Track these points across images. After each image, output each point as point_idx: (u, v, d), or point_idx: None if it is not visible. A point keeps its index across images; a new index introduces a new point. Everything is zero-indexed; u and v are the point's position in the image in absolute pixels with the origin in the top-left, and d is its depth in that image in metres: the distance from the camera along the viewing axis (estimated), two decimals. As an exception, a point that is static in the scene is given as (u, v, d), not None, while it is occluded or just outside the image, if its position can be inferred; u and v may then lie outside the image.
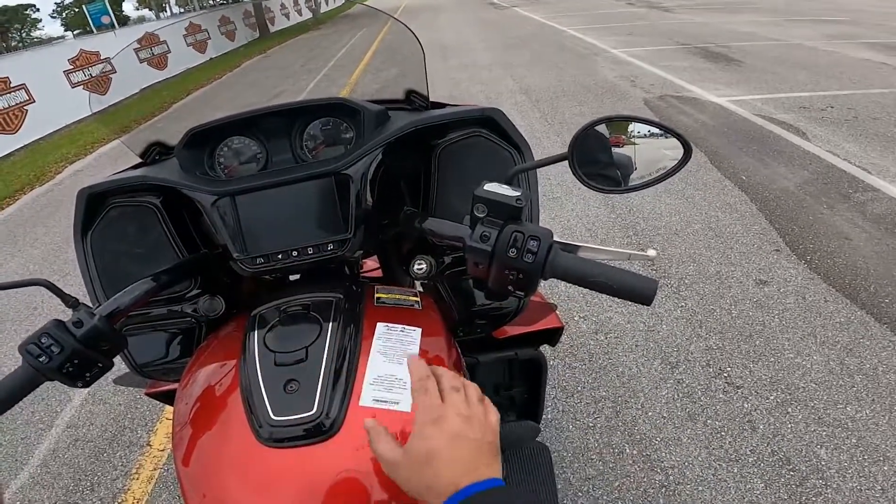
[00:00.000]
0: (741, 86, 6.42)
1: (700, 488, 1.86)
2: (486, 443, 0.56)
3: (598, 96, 6.53)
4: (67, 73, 9.92)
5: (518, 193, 0.72)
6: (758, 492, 1.84)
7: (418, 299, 0.89)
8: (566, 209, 3.84)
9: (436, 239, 0.86)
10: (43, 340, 0.69)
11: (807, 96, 5.80)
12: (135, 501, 2.08)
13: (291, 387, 0.69)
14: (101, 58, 10.63)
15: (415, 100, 1.06)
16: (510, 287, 0.73)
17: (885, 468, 1.87)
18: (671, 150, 0.76)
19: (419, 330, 0.80)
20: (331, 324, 0.78)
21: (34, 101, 8.88)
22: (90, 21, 14.14)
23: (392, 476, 0.57)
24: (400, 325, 0.80)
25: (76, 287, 0.75)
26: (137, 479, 2.17)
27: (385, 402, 0.69)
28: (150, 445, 2.32)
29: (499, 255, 0.70)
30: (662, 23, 12.20)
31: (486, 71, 8.73)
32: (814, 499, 1.80)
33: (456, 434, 0.55)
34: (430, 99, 1.06)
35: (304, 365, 0.72)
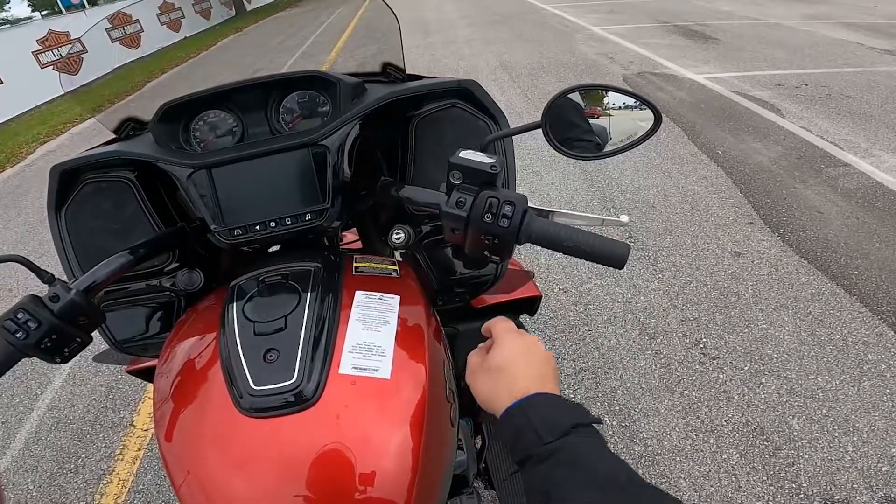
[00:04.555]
0: (719, 63, 6.46)
1: (677, 458, 1.92)
2: (548, 365, 0.69)
3: (578, 73, 6.53)
4: (36, 53, 9.65)
5: (493, 160, 0.73)
6: (733, 462, 1.89)
7: (396, 268, 0.90)
8: (545, 182, 3.88)
9: (412, 207, 0.87)
10: (19, 316, 0.68)
11: (782, 74, 5.86)
12: (120, 482, 2.08)
13: (271, 356, 0.69)
14: (72, 38, 10.34)
15: (391, 72, 1.06)
16: (486, 252, 0.74)
17: (855, 439, 1.92)
18: (645, 121, 0.78)
19: (398, 297, 0.81)
20: (309, 293, 0.78)
21: (2, 83, 8.65)
22: (59, 1, 13.69)
23: (470, 382, 0.72)
24: (378, 293, 0.80)
25: (53, 268, 0.74)
26: (122, 459, 2.17)
27: (364, 369, 0.69)
28: (134, 426, 2.32)
29: (474, 221, 0.71)
30: (643, 1, 12.16)
31: (467, 47, 8.66)
32: (787, 469, 1.85)
33: (529, 350, 0.70)
34: (408, 71, 1.06)
35: (283, 334, 0.72)
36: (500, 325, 0.74)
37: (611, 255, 0.68)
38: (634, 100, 0.79)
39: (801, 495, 1.77)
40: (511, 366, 0.68)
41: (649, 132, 0.77)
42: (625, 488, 0.53)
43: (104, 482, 2.09)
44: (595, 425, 0.60)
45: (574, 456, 0.56)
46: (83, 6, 13.62)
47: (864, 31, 7.69)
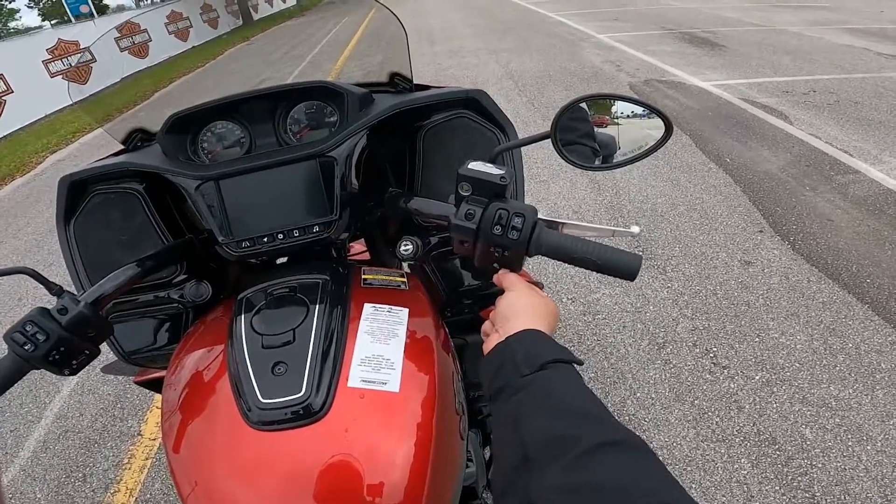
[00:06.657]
0: (725, 70, 6.44)
1: (689, 468, 1.89)
2: (548, 310, 0.70)
3: (585, 81, 6.53)
4: (46, 62, 9.77)
5: (502, 171, 0.72)
6: (745, 472, 1.86)
7: (405, 280, 0.89)
8: (552, 192, 3.86)
9: (421, 218, 0.86)
10: (27, 328, 0.68)
11: (790, 81, 5.84)
12: (127, 491, 2.08)
13: (279, 369, 0.69)
14: (81, 47, 10.47)
15: (398, 82, 1.06)
16: (496, 265, 0.73)
17: (869, 448, 1.89)
18: (654, 129, 0.77)
19: (406, 310, 0.80)
20: (317, 306, 0.77)
21: (12, 92, 8.76)
22: (68, 10, 13.85)
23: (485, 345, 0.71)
24: (387, 306, 0.80)
25: (61, 277, 0.74)
26: (129, 469, 2.17)
27: (373, 382, 0.68)
28: (142, 435, 2.32)
29: (484, 233, 0.71)
30: (648, 8, 12.18)
31: (473, 56, 8.68)
32: (800, 478, 1.82)
33: (532, 296, 0.71)
34: (415, 81, 1.06)
35: (291, 347, 0.72)
36: (509, 278, 0.74)
37: (622, 268, 0.67)
38: (644, 108, 0.78)
39: (815, 506, 1.75)
40: (517, 310, 0.69)
41: (660, 142, 0.77)
42: (590, 419, 0.54)
43: (112, 491, 2.08)
44: (575, 365, 0.61)
45: (546, 387, 0.57)
46: (92, 15, 13.79)
47: (870, 37, 7.68)
